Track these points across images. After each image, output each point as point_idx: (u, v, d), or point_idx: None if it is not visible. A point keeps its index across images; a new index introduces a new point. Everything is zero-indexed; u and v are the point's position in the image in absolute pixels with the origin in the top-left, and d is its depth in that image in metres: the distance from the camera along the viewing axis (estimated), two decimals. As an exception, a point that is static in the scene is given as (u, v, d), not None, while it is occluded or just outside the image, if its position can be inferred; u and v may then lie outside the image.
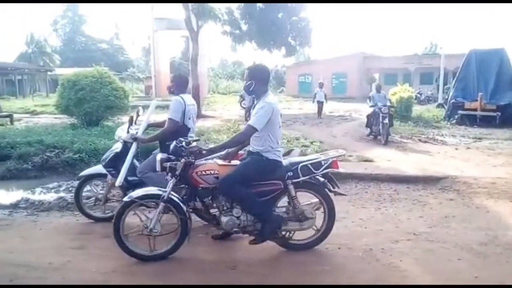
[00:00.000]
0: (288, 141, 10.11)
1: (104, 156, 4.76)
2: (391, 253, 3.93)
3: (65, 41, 60.38)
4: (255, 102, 3.77)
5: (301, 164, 3.79)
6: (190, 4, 17.49)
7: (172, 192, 3.69)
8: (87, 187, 5.16)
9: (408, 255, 3.90)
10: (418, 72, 38.52)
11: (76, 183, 5.76)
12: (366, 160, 8.06)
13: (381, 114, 10.79)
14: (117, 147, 4.70)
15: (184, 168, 3.65)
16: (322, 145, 9.87)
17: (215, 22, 19.83)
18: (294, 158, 4.03)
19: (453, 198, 5.79)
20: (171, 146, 4.12)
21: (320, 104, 17.59)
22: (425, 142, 11.35)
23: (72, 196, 5.90)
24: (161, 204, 3.65)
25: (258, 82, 3.73)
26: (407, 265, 3.68)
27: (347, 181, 6.56)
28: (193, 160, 3.69)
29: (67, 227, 4.80)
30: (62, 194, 6.19)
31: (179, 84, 4.73)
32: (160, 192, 3.68)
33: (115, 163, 4.54)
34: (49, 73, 37.75)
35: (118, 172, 4.31)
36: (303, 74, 42.34)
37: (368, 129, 12.04)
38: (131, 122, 4.81)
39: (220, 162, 3.84)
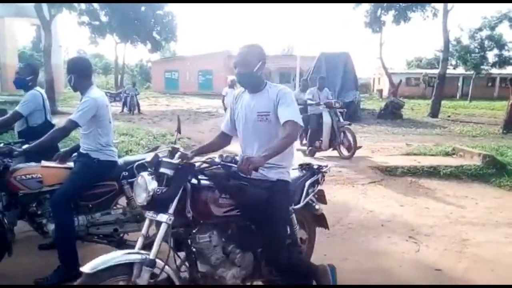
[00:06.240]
0: (154, 137, 9.95)
1: None
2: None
3: None
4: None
5: (137, 163, 3.48)
6: (39, -10, 15.84)
7: None
8: None
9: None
10: (278, 71, 41.32)
11: None
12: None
13: None
14: None
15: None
16: (189, 141, 9.95)
17: (70, 11, 18.26)
18: (130, 157, 3.78)
19: (307, 186, 6.42)
20: None
21: None
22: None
23: None
24: None
25: (78, 76, 3.41)
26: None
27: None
28: (10, 163, 3.29)
29: None
30: None
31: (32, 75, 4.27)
32: None
33: None
34: None
35: None
36: (169, 70, 41.87)
37: None
38: None
39: (46, 164, 3.42)
